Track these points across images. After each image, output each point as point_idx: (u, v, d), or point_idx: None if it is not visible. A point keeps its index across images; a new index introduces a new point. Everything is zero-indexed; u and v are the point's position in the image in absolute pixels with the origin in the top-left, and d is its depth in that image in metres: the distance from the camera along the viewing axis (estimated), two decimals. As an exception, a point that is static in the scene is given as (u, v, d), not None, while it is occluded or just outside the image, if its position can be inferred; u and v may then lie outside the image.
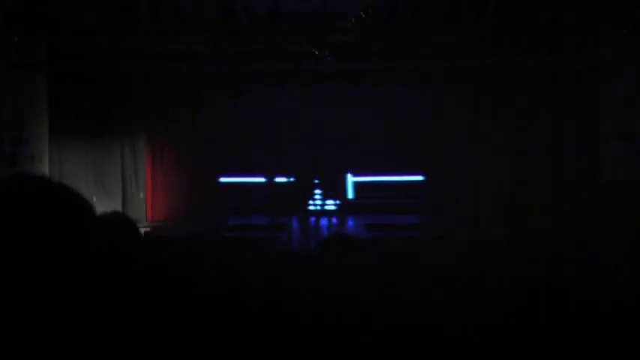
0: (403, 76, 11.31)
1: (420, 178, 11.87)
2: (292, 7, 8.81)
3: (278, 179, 11.63)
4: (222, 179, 11.83)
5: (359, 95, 11.65)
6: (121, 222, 1.91)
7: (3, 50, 8.89)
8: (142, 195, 11.56)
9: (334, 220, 11.30)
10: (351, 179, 11.90)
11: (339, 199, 11.73)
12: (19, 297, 1.19)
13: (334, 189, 11.70)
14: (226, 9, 8.84)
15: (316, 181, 11.45)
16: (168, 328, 1.59)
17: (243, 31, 9.56)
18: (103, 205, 10.50)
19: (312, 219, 11.06)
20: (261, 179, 11.81)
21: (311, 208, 11.47)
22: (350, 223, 11.06)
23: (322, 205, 11.67)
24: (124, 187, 11.51)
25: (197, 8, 8.91)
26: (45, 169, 10.07)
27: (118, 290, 1.42)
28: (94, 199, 10.77)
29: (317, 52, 9.92)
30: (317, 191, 11.67)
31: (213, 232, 5.06)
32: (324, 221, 11.18)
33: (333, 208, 11.73)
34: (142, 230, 5.76)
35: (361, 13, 8.77)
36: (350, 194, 11.85)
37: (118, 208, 11.18)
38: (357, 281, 2.27)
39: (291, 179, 11.16)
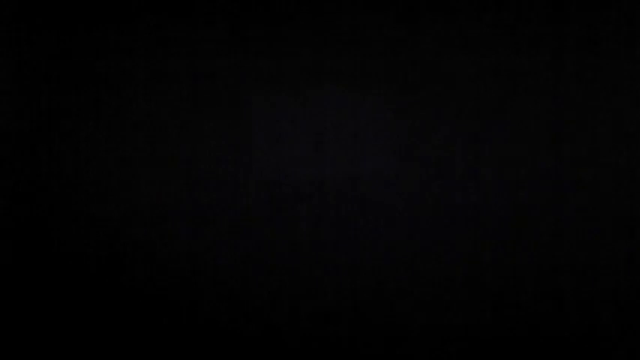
0: (403, 77, 11.31)
1: (418, 177, 11.84)
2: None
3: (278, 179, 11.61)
4: (222, 179, 11.80)
5: (359, 95, 11.64)
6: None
7: (3, 50, 8.89)
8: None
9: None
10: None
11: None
12: (19, 296, 1.19)
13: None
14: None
15: (316, 182, 11.44)
16: (168, 326, 1.59)
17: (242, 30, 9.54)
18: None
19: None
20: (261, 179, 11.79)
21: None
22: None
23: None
24: (124, 187, 11.50)
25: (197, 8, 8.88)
26: (45, 169, 10.06)
27: (117, 289, 1.42)
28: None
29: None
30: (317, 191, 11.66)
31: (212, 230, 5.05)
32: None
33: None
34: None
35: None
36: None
37: (118, 208, 11.16)
38: (357, 280, 2.27)
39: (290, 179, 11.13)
